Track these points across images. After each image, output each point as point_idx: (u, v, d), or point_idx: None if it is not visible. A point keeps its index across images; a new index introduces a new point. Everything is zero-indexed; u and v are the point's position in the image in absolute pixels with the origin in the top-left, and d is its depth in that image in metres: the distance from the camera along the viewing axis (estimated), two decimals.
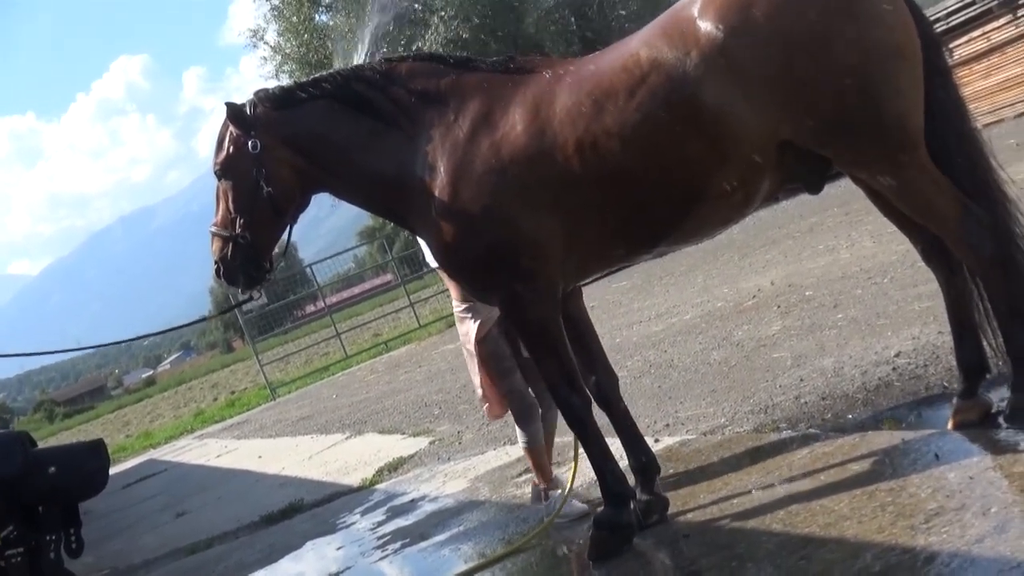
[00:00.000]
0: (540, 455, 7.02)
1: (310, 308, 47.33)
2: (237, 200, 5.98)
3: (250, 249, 6.02)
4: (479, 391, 7.04)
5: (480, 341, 6.84)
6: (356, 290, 74.56)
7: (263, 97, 6.07)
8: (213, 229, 6.11)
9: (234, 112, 5.96)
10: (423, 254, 7.27)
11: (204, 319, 8.96)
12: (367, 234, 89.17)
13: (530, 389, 6.95)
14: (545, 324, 5.72)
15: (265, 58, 38.93)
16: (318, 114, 5.96)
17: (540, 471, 7.03)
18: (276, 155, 5.92)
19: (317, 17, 37.98)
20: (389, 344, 33.05)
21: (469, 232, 5.57)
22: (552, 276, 5.63)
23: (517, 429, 7.01)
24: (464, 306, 6.92)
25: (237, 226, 5.98)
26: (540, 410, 6.96)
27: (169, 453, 27.47)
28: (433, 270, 7.46)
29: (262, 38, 38.94)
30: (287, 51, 37.31)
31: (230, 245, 6.02)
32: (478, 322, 6.83)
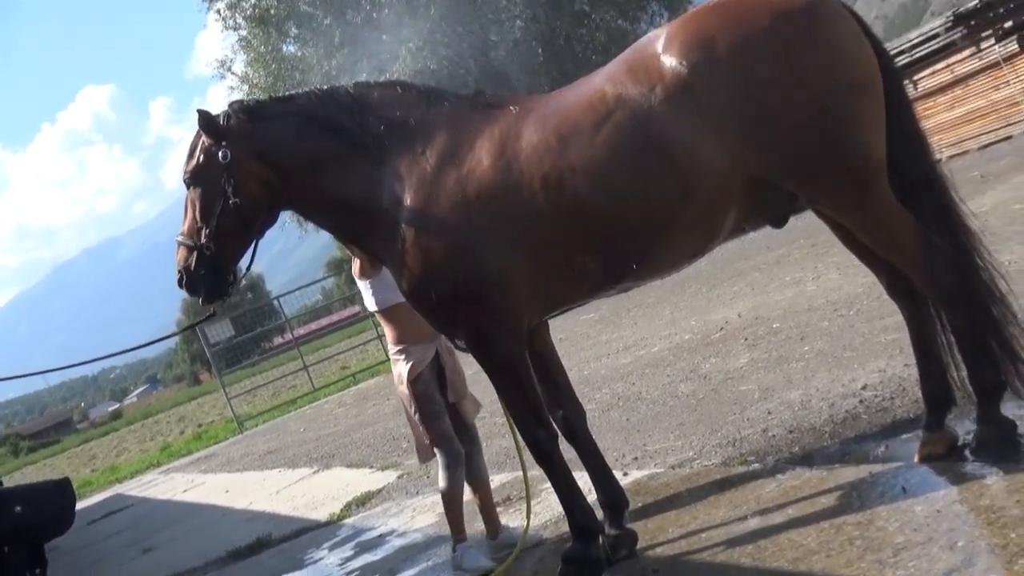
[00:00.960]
0: (456, 505, 7.05)
1: (278, 340, 47.26)
2: (204, 210, 5.95)
3: (214, 260, 5.99)
4: (417, 432, 7.14)
5: (412, 382, 6.93)
6: (324, 322, 74.51)
7: (237, 108, 6.07)
8: (179, 238, 6.10)
9: (206, 120, 5.95)
10: (363, 299, 7.33)
11: (170, 335, 8.91)
12: (335, 266, 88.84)
13: (457, 437, 7.05)
14: (511, 359, 5.72)
15: (233, 88, 38.88)
16: (289, 130, 5.95)
17: (453, 522, 7.07)
18: (246, 167, 5.91)
19: (285, 48, 38.01)
20: (357, 376, 32.90)
21: (435, 267, 5.56)
22: (518, 311, 5.63)
23: (440, 473, 7.03)
24: (398, 348, 7.04)
25: (203, 236, 5.95)
26: (464, 459, 7.03)
27: (135, 488, 27.22)
28: (372, 314, 7.50)
29: (230, 68, 38.90)
30: (255, 81, 37.25)
31: (194, 255, 5.99)
32: (410, 364, 6.92)
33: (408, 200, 5.62)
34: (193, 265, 6.00)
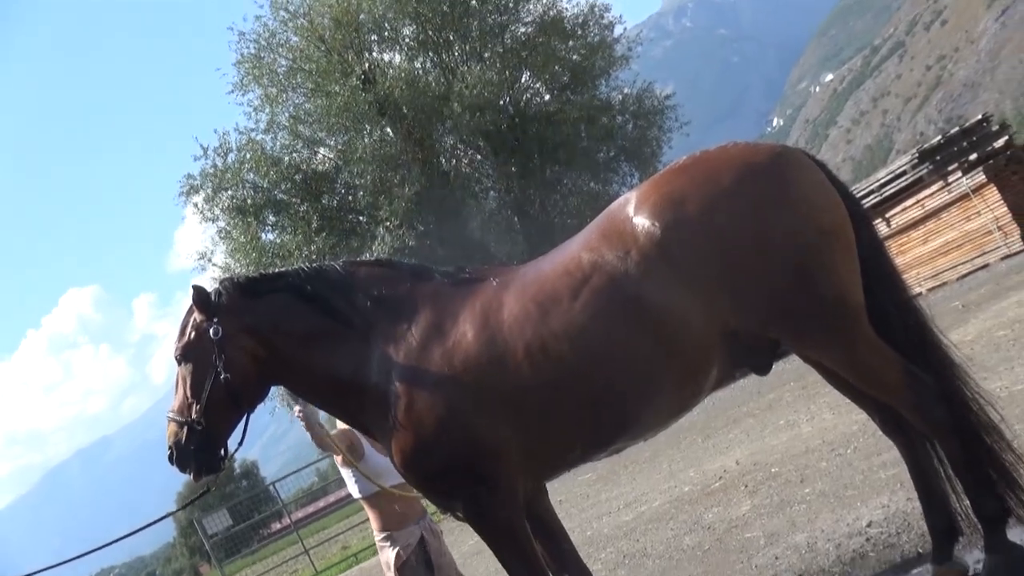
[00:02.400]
0: None
1: (276, 526, 46.66)
2: (195, 385, 5.97)
3: (205, 435, 5.98)
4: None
5: (399, 569, 7.00)
6: (321, 503, 73.57)
7: (228, 285, 6.15)
8: (169, 414, 6.09)
9: (200, 297, 6.02)
10: (348, 485, 7.41)
11: (167, 515, 8.78)
12: None
13: None
14: (510, 526, 5.70)
15: (215, 279, 39.14)
16: (279, 306, 6.02)
17: None
18: (236, 342, 5.96)
19: (264, 236, 38.31)
20: (358, 556, 32.45)
21: (426, 441, 5.57)
22: (512, 479, 5.62)
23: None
24: (383, 535, 7.14)
25: (193, 411, 5.95)
26: None
27: None
28: (356, 500, 7.55)
29: (210, 260, 39.15)
30: (236, 271, 37.48)
31: (185, 430, 5.98)
32: (395, 550, 7.02)
33: (396, 375, 5.66)
34: (184, 440, 5.98)
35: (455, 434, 5.51)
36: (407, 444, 5.62)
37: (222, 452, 6.18)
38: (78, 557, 7.20)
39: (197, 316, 6.07)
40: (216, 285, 6.23)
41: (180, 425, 6.01)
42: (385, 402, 5.67)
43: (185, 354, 6.08)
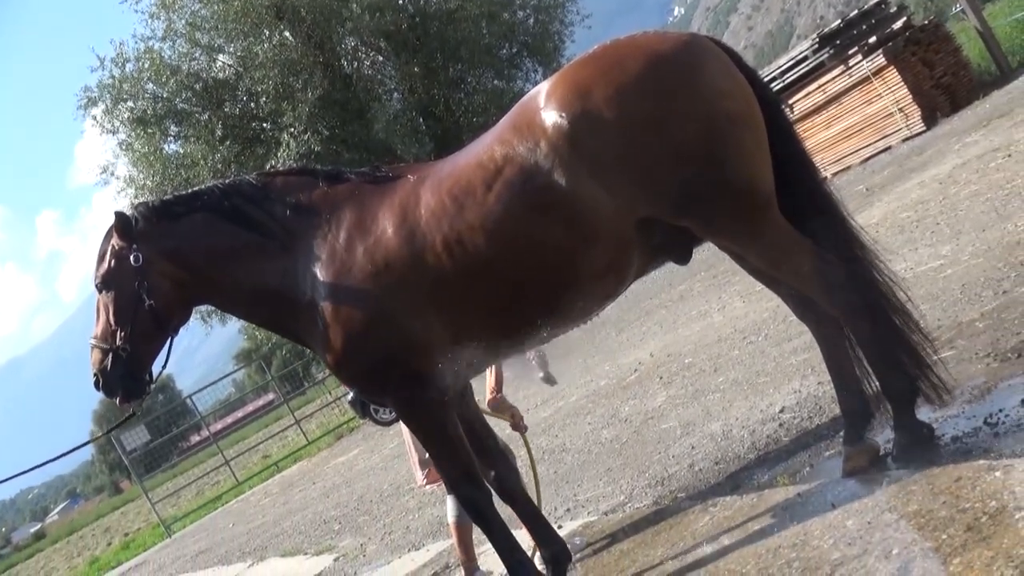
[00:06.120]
0: (468, 531, 7.13)
1: (195, 439, 46.53)
2: (118, 313, 5.95)
3: (130, 361, 5.98)
4: (414, 456, 7.39)
5: None
6: (239, 414, 73.55)
7: (144, 210, 6.09)
8: (93, 341, 6.06)
9: (122, 222, 5.97)
10: None
11: (84, 444, 8.73)
12: (243, 356, 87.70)
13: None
14: (442, 422, 5.77)
15: (119, 191, 38.43)
16: (198, 227, 6.00)
17: (465, 548, 7.13)
18: (158, 268, 5.95)
19: (167, 147, 37.67)
20: (280, 464, 32.52)
21: (356, 339, 5.61)
22: (443, 374, 5.66)
23: (448, 501, 7.10)
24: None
25: (118, 338, 5.94)
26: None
27: None
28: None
29: (113, 173, 38.36)
30: (140, 183, 36.84)
31: (110, 357, 5.96)
32: None
33: (322, 278, 5.67)
34: (109, 367, 5.97)
35: (382, 330, 5.57)
36: (337, 343, 5.67)
37: (147, 377, 6.17)
38: (1, 481, 7.13)
39: (116, 243, 6.01)
40: (132, 210, 6.14)
41: (104, 352, 6.00)
42: (314, 306, 5.69)
43: (106, 282, 6.03)
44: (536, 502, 6.98)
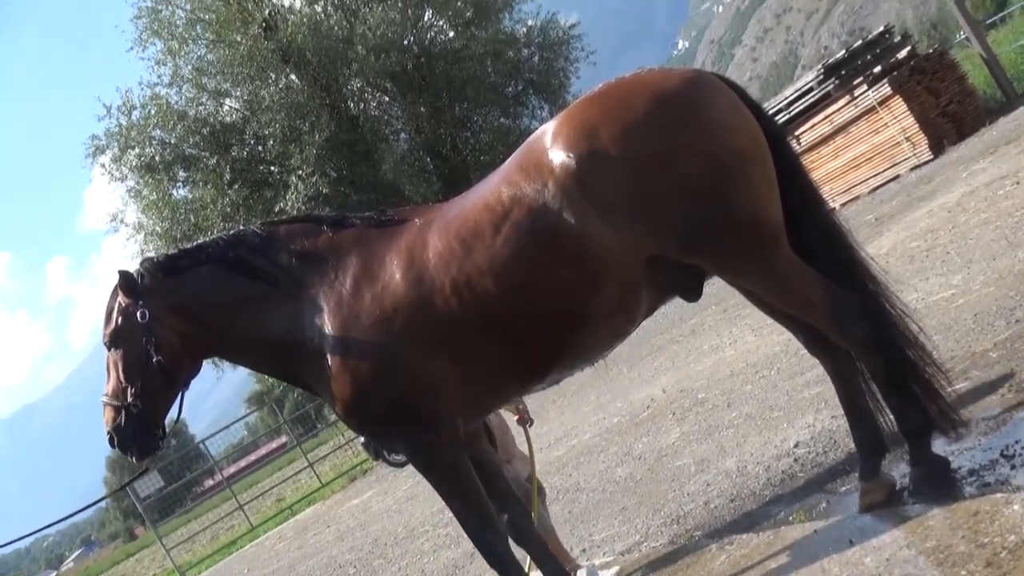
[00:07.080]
0: (552, 538, 7.09)
1: (208, 483, 46.54)
2: (128, 369, 5.94)
3: (142, 417, 5.96)
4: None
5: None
6: (252, 457, 73.66)
7: (149, 266, 6.09)
8: (104, 399, 6.05)
9: (126, 280, 5.98)
10: None
11: (99, 500, 8.73)
12: (255, 400, 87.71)
13: None
14: (453, 466, 5.73)
15: (128, 238, 38.53)
16: (203, 280, 5.99)
17: (559, 553, 7.00)
18: (165, 323, 5.94)
19: (175, 192, 37.78)
20: (294, 508, 32.43)
21: (365, 387, 5.56)
22: (453, 417, 5.64)
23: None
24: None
25: (129, 395, 5.92)
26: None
27: None
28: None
29: (122, 220, 38.54)
30: (150, 229, 36.97)
31: (122, 414, 5.94)
32: None
33: (329, 326, 5.64)
34: (122, 424, 5.96)
35: (392, 376, 5.52)
36: (346, 391, 5.62)
37: (160, 431, 6.16)
38: (22, 538, 7.15)
39: (122, 300, 6.02)
40: (137, 267, 6.15)
41: (117, 410, 5.99)
42: (321, 353, 5.65)
43: (114, 340, 6.04)
44: (536, 501, 6.94)
